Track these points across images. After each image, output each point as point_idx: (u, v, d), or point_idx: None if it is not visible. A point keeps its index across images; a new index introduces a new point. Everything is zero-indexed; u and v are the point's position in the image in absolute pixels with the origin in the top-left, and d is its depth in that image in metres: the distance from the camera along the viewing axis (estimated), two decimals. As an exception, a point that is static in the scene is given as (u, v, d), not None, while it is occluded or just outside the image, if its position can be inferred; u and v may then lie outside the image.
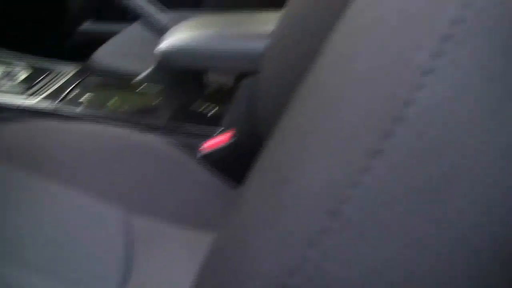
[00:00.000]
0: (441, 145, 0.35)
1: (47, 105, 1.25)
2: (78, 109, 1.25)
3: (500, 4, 0.34)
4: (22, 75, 1.35)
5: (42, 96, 1.27)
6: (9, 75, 1.34)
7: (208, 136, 1.20)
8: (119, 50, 1.72)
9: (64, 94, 1.29)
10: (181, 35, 1.25)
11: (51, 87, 1.32)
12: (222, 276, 0.43)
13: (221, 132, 1.21)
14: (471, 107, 0.35)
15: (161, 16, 1.47)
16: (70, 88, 1.32)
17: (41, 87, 1.31)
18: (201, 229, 1.01)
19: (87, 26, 2.21)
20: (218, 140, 1.17)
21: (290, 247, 0.38)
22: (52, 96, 1.28)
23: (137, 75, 1.41)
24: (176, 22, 1.42)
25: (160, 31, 1.44)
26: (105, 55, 1.67)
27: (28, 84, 1.31)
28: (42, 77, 1.35)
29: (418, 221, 0.36)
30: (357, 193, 0.36)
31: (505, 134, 0.35)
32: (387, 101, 0.36)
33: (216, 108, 1.32)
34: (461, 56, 0.35)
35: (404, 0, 0.39)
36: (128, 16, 2.13)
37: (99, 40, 1.83)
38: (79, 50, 1.99)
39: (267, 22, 1.26)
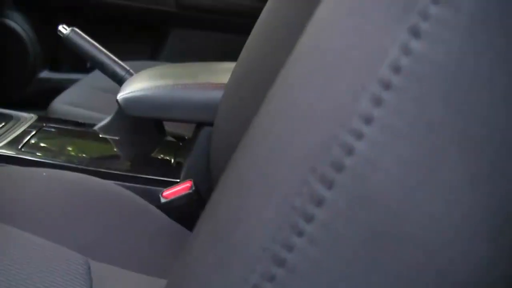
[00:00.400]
0: (380, 194, 0.35)
1: (8, 151, 1.25)
2: (38, 156, 1.25)
3: (441, 50, 0.34)
4: (-18, 122, 1.35)
5: (2, 143, 1.27)
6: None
7: (167, 185, 1.21)
8: (77, 99, 1.73)
9: (25, 141, 1.29)
10: (139, 84, 1.27)
11: (11, 135, 1.32)
12: None
13: (181, 181, 1.22)
14: (411, 156, 0.35)
15: (119, 65, 1.48)
16: (30, 135, 1.32)
17: (1, 134, 1.31)
18: (158, 276, 1.02)
19: (45, 74, 2.22)
20: (178, 189, 1.18)
21: None
22: (12, 143, 1.28)
23: (96, 123, 1.43)
24: (135, 71, 1.44)
25: (119, 80, 1.45)
26: (64, 103, 1.68)
27: (-12, 131, 1.31)
28: (2, 124, 1.35)
29: (360, 269, 0.36)
30: (300, 241, 0.36)
31: (446, 183, 0.35)
32: (328, 149, 0.36)
33: (175, 157, 1.33)
34: (401, 104, 0.35)
35: (345, 45, 0.38)
36: (87, 65, 2.16)
37: (57, 88, 1.84)
38: (38, 98, 2.00)
39: (223, 73, 1.29)
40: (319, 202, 0.36)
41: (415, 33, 0.34)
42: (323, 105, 0.38)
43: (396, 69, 0.34)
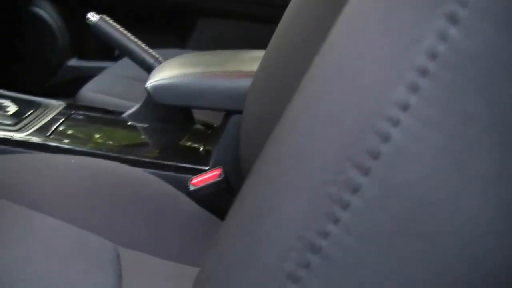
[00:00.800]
0: (413, 182, 0.35)
1: (37, 138, 1.25)
2: (67, 143, 1.25)
3: (477, 39, 0.34)
4: (12, 110, 1.35)
5: (31, 130, 1.27)
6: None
7: (196, 172, 1.21)
8: (106, 86, 1.73)
9: (53, 128, 1.30)
10: (168, 72, 1.27)
11: (40, 122, 1.32)
12: None
13: (209, 168, 1.22)
14: (444, 146, 0.35)
15: (148, 53, 1.48)
16: (59, 122, 1.33)
17: (30, 121, 1.31)
18: (187, 264, 1.02)
19: (74, 62, 2.22)
20: (206, 177, 1.18)
21: (270, 281, 0.38)
22: (42, 130, 1.29)
23: (125, 111, 1.43)
24: (163, 59, 1.43)
25: (148, 68, 1.45)
26: (92, 91, 1.68)
27: (18, 118, 1.31)
28: (31, 111, 1.35)
29: (393, 258, 0.36)
30: (336, 228, 0.36)
31: (479, 174, 0.35)
32: (365, 136, 0.36)
33: (204, 145, 1.33)
34: (437, 92, 0.34)
35: (381, 32, 0.38)
36: (115, 53, 2.16)
37: (86, 77, 1.84)
38: (67, 86, 2.00)
39: (252, 61, 1.28)
40: (355, 189, 0.36)
41: (453, 19, 0.34)
42: (360, 93, 0.38)
43: (433, 55, 0.34)
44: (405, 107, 0.35)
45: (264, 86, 1.10)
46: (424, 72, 0.34)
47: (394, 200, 0.36)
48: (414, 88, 0.35)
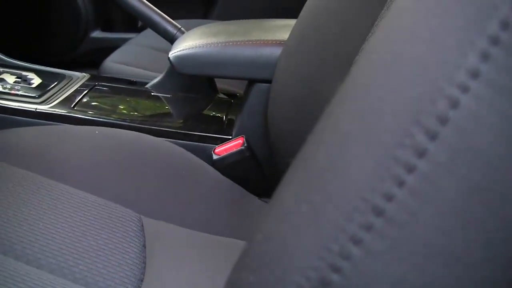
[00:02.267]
0: (482, 148, 0.35)
1: (61, 110, 1.26)
2: (91, 114, 1.26)
3: None
4: (36, 82, 1.36)
5: (55, 102, 1.28)
6: (23, 82, 1.35)
7: (219, 141, 1.21)
8: (129, 57, 1.73)
9: (77, 100, 1.30)
10: (191, 42, 1.26)
11: (63, 94, 1.33)
12: (260, 272, 0.43)
13: (233, 137, 1.22)
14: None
15: (171, 24, 1.48)
16: (83, 94, 1.33)
17: (54, 93, 1.32)
18: (211, 232, 1.02)
19: (97, 34, 2.23)
20: (230, 146, 1.18)
21: (333, 242, 0.38)
22: (65, 101, 1.29)
23: (148, 81, 1.43)
24: (186, 29, 1.43)
25: (171, 39, 1.45)
26: (116, 62, 1.68)
27: (42, 91, 1.32)
28: (54, 83, 1.36)
29: (457, 223, 0.36)
30: (400, 192, 0.37)
31: None
32: (434, 101, 0.36)
33: (227, 114, 1.33)
34: (506, 60, 0.35)
35: (455, 1, 0.38)
36: (138, 24, 2.16)
37: (109, 48, 1.84)
38: (90, 58, 2.01)
39: (275, 30, 1.28)
40: (422, 153, 0.36)
41: None
42: (430, 59, 0.38)
43: (505, 25, 0.34)
44: (475, 75, 0.35)
45: (297, 53, 1.09)
46: (495, 41, 0.35)
47: (462, 165, 0.36)
48: (485, 56, 0.35)
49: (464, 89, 0.35)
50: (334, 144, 0.42)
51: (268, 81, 1.20)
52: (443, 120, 0.36)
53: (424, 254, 0.37)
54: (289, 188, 0.45)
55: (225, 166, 1.17)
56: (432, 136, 0.36)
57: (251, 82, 1.25)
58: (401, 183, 0.36)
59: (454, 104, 0.35)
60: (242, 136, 1.19)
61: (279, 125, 1.10)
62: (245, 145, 1.18)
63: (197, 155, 1.16)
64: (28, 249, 0.83)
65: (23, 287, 0.76)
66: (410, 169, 0.36)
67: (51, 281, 0.79)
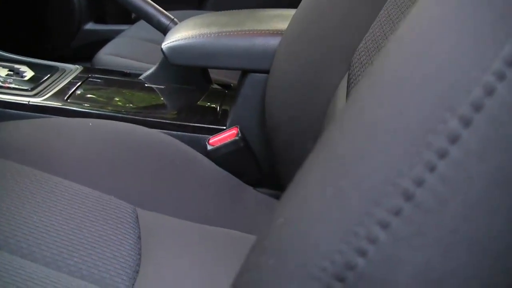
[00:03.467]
0: None
1: (54, 103, 1.25)
2: (84, 106, 1.26)
3: None
4: (29, 75, 1.35)
5: (48, 95, 1.27)
6: (15, 75, 1.34)
7: (214, 132, 1.21)
8: (122, 49, 1.73)
9: (70, 92, 1.30)
10: (184, 32, 1.26)
11: (57, 86, 1.32)
12: (281, 256, 0.43)
13: (227, 128, 1.21)
14: None
15: (164, 15, 1.47)
16: (76, 86, 1.33)
17: (47, 86, 1.31)
18: (206, 223, 1.02)
19: (90, 26, 2.22)
20: (224, 136, 1.18)
21: (360, 226, 0.38)
22: (59, 94, 1.29)
23: (142, 73, 1.42)
24: (180, 21, 1.43)
25: (164, 30, 1.45)
26: (109, 54, 1.68)
27: (35, 83, 1.31)
28: (47, 76, 1.36)
29: (485, 211, 0.37)
30: (431, 177, 0.37)
31: None
32: (469, 89, 0.36)
33: (221, 105, 1.32)
34: None
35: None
36: (132, 16, 2.15)
37: (103, 40, 1.84)
38: (84, 50, 2.00)
39: (268, 20, 1.28)
40: (454, 139, 0.36)
41: None
42: (463, 48, 0.38)
43: None
44: (511, 63, 0.35)
45: (297, 42, 1.09)
46: None
47: (493, 154, 0.36)
48: None
49: (500, 76, 0.35)
50: (361, 129, 0.42)
51: (262, 71, 1.20)
52: (477, 107, 0.36)
53: (450, 241, 0.37)
54: (313, 172, 0.44)
55: (220, 157, 1.17)
56: (466, 123, 0.36)
57: (245, 72, 1.24)
58: (432, 168, 0.36)
59: (490, 91, 0.35)
60: (236, 127, 1.19)
61: (277, 113, 1.10)
62: (239, 135, 1.17)
63: (192, 146, 1.16)
64: (23, 243, 0.83)
65: (18, 280, 0.76)
66: (442, 154, 0.36)
67: (46, 274, 0.79)
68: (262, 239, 0.46)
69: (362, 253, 0.38)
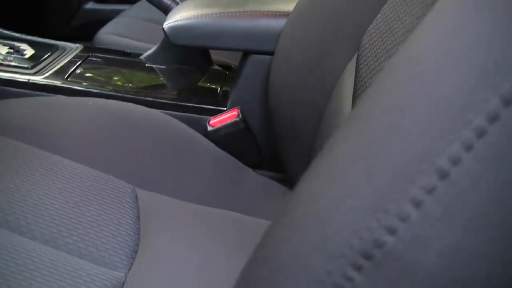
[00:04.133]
0: None
1: (54, 81, 1.25)
2: (84, 85, 1.25)
3: None
4: (29, 53, 1.35)
5: (48, 73, 1.27)
6: (16, 53, 1.34)
7: (214, 113, 1.20)
8: (123, 29, 1.72)
9: (71, 71, 1.29)
10: (186, 13, 1.25)
11: (57, 65, 1.31)
12: (307, 231, 0.42)
13: (227, 109, 1.21)
14: None
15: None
16: (76, 65, 1.32)
17: (47, 64, 1.31)
18: (205, 204, 1.02)
19: (91, 5, 2.21)
20: (224, 117, 1.17)
21: (391, 203, 0.38)
22: (59, 72, 1.28)
23: (142, 53, 1.42)
24: (181, 0, 1.42)
25: (165, 10, 1.44)
26: (109, 34, 1.67)
27: (35, 62, 1.31)
28: (48, 54, 1.35)
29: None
30: (468, 156, 0.36)
31: None
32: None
33: (222, 86, 1.32)
34: None
35: None
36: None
37: (103, 20, 1.83)
38: (84, 30, 1.99)
39: (272, 1, 1.27)
40: (494, 118, 0.36)
41: None
42: (472, 70, 0.38)
43: None
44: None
45: (301, 25, 1.08)
46: None
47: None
48: None
49: (507, 102, 0.35)
50: (394, 107, 0.42)
51: (264, 53, 1.19)
52: (491, 118, 0.35)
53: (481, 222, 0.37)
54: (342, 147, 0.44)
55: (220, 138, 1.16)
56: (507, 103, 0.35)
57: (247, 53, 1.24)
58: (469, 147, 0.36)
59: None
60: (237, 108, 1.19)
61: (279, 95, 1.09)
62: (240, 116, 1.17)
63: (192, 127, 1.15)
64: (22, 220, 0.83)
65: (17, 258, 0.76)
66: (481, 133, 0.36)
67: (44, 252, 0.79)
68: (285, 215, 0.45)
69: (392, 231, 0.37)
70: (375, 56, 0.83)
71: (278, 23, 1.17)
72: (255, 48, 1.21)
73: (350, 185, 0.40)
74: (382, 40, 0.85)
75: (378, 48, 0.84)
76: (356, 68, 0.90)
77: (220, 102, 1.25)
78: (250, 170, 1.16)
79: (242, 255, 0.82)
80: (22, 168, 0.91)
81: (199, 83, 1.34)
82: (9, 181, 0.88)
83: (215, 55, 1.43)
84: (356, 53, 0.94)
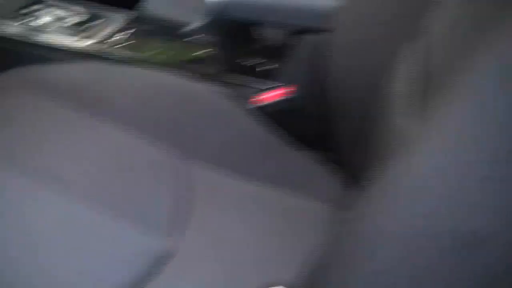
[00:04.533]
0: None
1: (98, 48, 1.25)
2: (128, 55, 1.24)
3: None
4: (75, 19, 1.35)
5: (93, 40, 1.27)
6: (62, 19, 1.34)
7: (261, 89, 1.19)
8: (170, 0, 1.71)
9: (115, 39, 1.29)
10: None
11: (103, 32, 1.31)
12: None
13: (277, 86, 1.19)
14: None
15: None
16: (122, 34, 1.31)
17: (93, 31, 1.30)
18: (252, 180, 1.01)
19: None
20: (273, 94, 1.15)
21: None
22: (103, 40, 1.28)
23: (188, 25, 1.40)
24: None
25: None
26: (158, 4, 1.65)
27: (81, 28, 1.30)
28: (94, 22, 1.34)
29: None
30: None
31: None
32: None
33: (272, 62, 1.29)
34: None
35: None
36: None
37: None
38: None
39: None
40: None
41: None
42: None
43: None
44: None
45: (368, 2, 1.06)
46: None
47: None
48: None
49: None
50: None
51: (319, 30, 1.16)
52: None
53: None
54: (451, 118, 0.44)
55: (267, 114, 1.14)
56: None
57: (300, 30, 1.21)
58: None
59: None
60: (286, 85, 1.17)
61: (334, 75, 1.07)
62: (289, 94, 1.15)
63: (238, 102, 1.14)
64: (73, 183, 0.85)
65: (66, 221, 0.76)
66: None
67: (91, 215, 0.81)
68: (389, 183, 0.46)
69: None
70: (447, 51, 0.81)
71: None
72: (309, 25, 1.18)
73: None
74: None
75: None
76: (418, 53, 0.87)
77: (268, 78, 1.23)
78: (298, 148, 1.14)
79: (291, 233, 0.82)
80: (72, 134, 0.92)
81: (247, 58, 1.31)
82: (61, 145, 0.89)
83: (265, 31, 1.41)
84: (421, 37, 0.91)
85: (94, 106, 1.02)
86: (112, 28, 1.34)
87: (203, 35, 1.37)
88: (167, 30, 1.41)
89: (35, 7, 1.39)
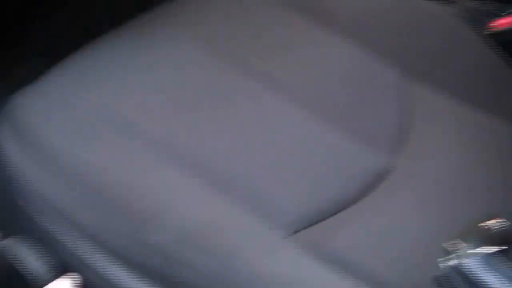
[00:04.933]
0: None
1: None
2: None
3: None
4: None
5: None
6: None
7: (497, 15, 1.13)
8: None
9: None
10: None
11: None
12: None
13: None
14: None
15: None
16: None
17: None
18: (476, 110, 0.97)
19: None
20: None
21: None
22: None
23: None
24: None
25: None
26: None
27: None
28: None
29: None
30: None
31: None
32: None
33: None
34: None
35: None
36: None
37: None
38: None
39: None
40: None
41: None
42: None
43: None
44: None
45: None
46: None
47: None
48: None
49: None
50: None
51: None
52: None
53: None
54: None
55: (501, 41, 1.09)
56: None
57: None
58: None
59: None
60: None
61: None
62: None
63: (474, 27, 1.09)
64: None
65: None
66: None
67: (310, 126, 0.81)
68: None
69: None
70: None
71: None
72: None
73: None
74: None
75: None
76: None
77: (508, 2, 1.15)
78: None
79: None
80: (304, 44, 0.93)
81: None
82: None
83: None
84: None
85: (324, 18, 1.01)
86: None
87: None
88: None
89: None
